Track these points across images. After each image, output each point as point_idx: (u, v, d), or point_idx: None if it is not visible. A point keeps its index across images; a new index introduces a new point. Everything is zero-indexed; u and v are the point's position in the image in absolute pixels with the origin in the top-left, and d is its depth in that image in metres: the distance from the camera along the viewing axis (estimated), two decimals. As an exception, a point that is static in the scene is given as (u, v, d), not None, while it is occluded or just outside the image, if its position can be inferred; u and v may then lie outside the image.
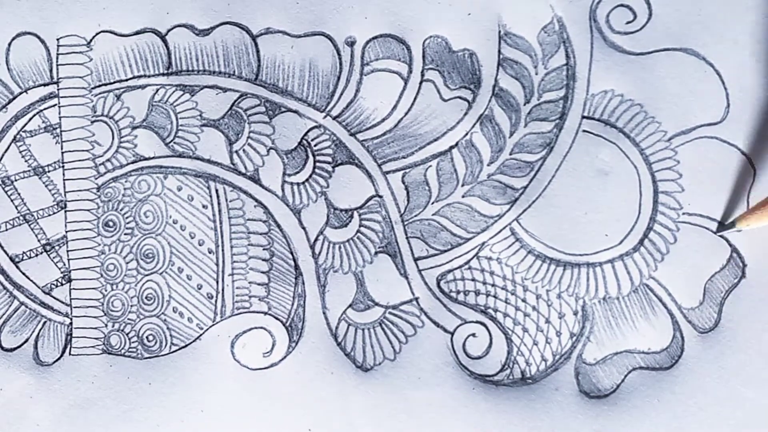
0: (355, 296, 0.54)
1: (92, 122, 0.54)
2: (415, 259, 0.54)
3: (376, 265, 0.54)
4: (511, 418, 0.53)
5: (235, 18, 0.54)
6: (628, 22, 0.54)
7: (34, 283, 0.54)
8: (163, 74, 0.54)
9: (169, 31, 0.54)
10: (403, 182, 0.54)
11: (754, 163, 0.53)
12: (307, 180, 0.54)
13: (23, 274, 0.54)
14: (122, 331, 0.54)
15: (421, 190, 0.54)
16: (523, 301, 0.53)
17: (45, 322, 0.54)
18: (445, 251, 0.54)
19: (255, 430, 0.53)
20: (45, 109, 0.54)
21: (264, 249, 0.54)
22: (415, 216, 0.54)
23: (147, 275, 0.54)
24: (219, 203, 0.54)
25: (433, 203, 0.54)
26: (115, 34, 0.54)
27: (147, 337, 0.54)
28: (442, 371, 0.53)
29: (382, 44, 0.54)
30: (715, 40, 0.53)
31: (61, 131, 0.54)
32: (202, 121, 0.54)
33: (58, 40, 0.54)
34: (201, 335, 0.54)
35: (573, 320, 0.53)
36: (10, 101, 0.55)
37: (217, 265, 0.54)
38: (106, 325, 0.54)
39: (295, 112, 0.54)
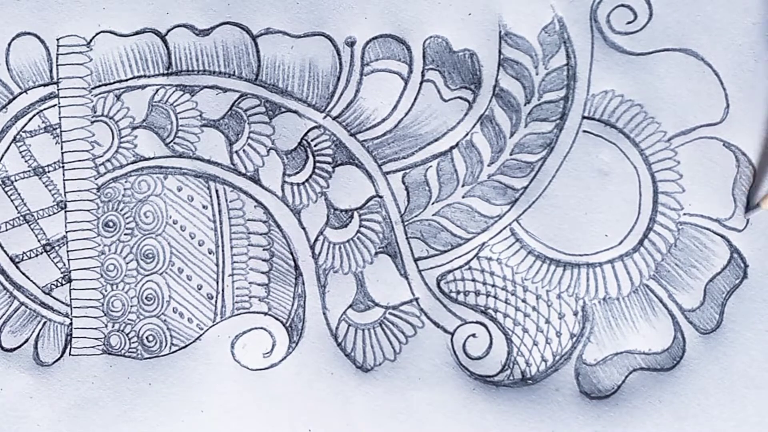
0: (356, 297, 0.54)
1: (92, 122, 0.54)
2: (416, 260, 0.54)
3: (376, 265, 0.54)
4: (511, 418, 0.53)
5: (235, 18, 0.54)
6: (629, 23, 0.53)
7: (34, 283, 0.54)
8: (163, 74, 0.54)
9: (169, 31, 0.54)
10: (404, 182, 0.54)
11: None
12: (307, 180, 0.54)
13: (23, 274, 0.54)
14: (122, 331, 0.54)
15: (421, 191, 0.54)
16: (523, 301, 0.53)
17: (45, 323, 0.54)
18: (446, 251, 0.54)
19: (255, 431, 0.53)
20: (45, 109, 0.55)
21: (264, 249, 0.54)
22: (416, 216, 0.54)
23: (147, 275, 0.54)
24: (219, 203, 0.54)
25: (433, 203, 0.54)
26: (115, 34, 0.54)
27: (147, 338, 0.54)
28: (443, 372, 0.53)
29: (382, 44, 0.54)
30: (715, 41, 0.53)
31: (61, 131, 0.54)
32: (202, 121, 0.54)
33: (58, 40, 0.54)
34: (201, 336, 0.54)
35: (573, 321, 0.53)
36: (10, 101, 0.55)
37: (217, 265, 0.54)
38: (106, 326, 0.54)
39: (295, 112, 0.54)
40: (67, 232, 0.54)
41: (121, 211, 0.54)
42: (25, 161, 0.55)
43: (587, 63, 0.54)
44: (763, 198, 0.52)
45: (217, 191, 0.54)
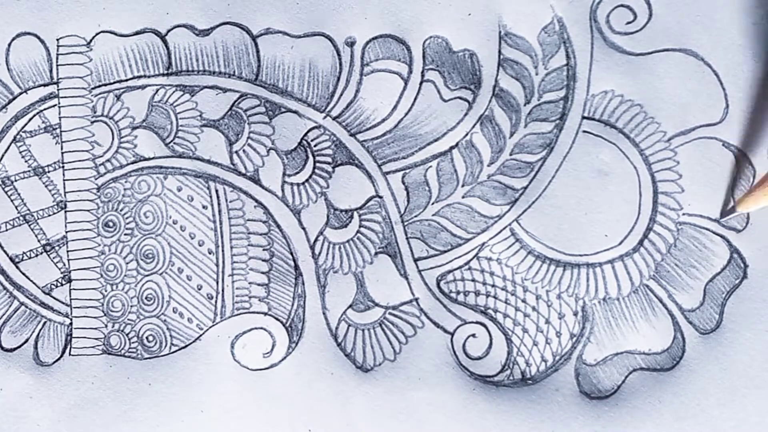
0: (355, 297, 0.54)
1: (92, 122, 0.55)
2: (415, 260, 0.54)
3: (376, 265, 0.54)
4: (511, 418, 0.53)
5: (235, 18, 0.54)
6: (629, 23, 0.54)
7: (34, 283, 0.54)
8: (163, 74, 0.54)
9: (169, 31, 0.54)
10: (403, 183, 0.54)
11: (754, 163, 0.53)
12: (307, 180, 0.54)
13: (23, 274, 0.54)
14: (122, 331, 0.54)
15: (421, 191, 0.54)
16: (523, 301, 0.53)
17: (45, 323, 0.54)
18: (445, 252, 0.54)
19: (255, 431, 0.53)
20: (45, 109, 0.55)
21: (264, 249, 0.54)
22: (415, 216, 0.54)
23: (147, 276, 0.54)
24: (219, 204, 0.54)
25: (433, 204, 0.54)
26: (115, 34, 0.54)
27: (147, 338, 0.54)
28: (442, 372, 0.53)
29: (382, 44, 0.54)
30: (714, 41, 0.53)
31: (61, 131, 0.54)
32: (202, 121, 0.54)
33: (58, 40, 0.54)
34: (201, 336, 0.54)
35: (573, 321, 0.53)
36: (10, 101, 0.55)
37: (217, 265, 0.54)
38: (106, 326, 0.54)
39: (295, 112, 0.54)
40: (67, 232, 0.54)
41: (121, 211, 0.54)
42: (25, 161, 0.55)
43: (587, 63, 0.54)
44: (738, 201, 0.52)
45: (217, 191, 0.54)
